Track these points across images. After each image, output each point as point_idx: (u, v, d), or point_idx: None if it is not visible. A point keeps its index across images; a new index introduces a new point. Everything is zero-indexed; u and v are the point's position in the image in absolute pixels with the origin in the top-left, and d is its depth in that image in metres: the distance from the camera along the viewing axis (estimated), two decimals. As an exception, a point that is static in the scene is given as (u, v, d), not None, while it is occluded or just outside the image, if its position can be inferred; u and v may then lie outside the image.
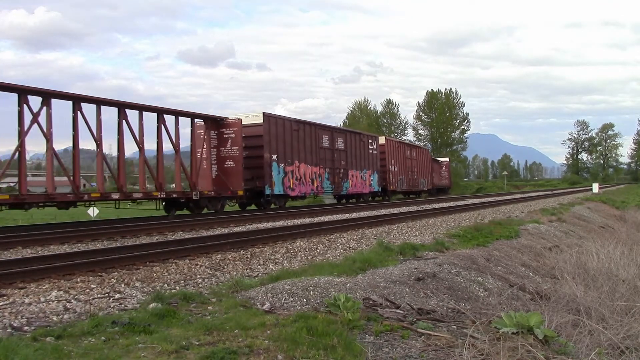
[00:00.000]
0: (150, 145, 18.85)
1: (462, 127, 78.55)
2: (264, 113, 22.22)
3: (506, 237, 14.98)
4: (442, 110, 77.23)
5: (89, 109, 16.18)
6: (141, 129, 17.73)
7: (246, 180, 21.30)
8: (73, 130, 15.79)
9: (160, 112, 18.74)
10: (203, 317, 5.43)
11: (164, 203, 19.01)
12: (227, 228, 14.88)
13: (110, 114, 17.49)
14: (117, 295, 6.56)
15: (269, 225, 15.36)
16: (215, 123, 21.04)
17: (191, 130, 20.26)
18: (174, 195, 18.69)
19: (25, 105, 14.43)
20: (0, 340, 4.24)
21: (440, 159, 53.11)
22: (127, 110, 17.42)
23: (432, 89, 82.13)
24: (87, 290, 6.77)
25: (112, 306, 6.05)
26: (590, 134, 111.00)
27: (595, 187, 49.08)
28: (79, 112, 15.81)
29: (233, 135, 20.85)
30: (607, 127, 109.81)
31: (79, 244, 11.26)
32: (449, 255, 10.82)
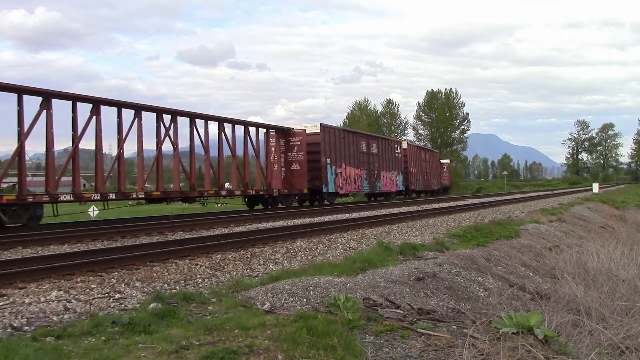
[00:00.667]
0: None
1: (462, 127, 78.58)
2: (321, 124, 26.05)
3: (506, 237, 14.99)
4: (442, 110, 77.21)
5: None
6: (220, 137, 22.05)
7: (308, 180, 25.36)
8: (156, 137, 18.88)
9: (235, 122, 22.76)
10: (203, 317, 5.43)
11: (246, 199, 24.10)
12: (227, 228, 14.88)
13: (184, 123, 20.52)
14: (117, 295, 6.56)
15: (269, 225, 15.36)
16: (283, 133, 25.52)
17: (265, 139, 24.66)
18: (261, 193, 23.18)
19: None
20: (0, 340, 4.24)
21: (442, 161, 54.08)
22: (197, 120, 20.70)
23: (432, 89, 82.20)
24: (87, 290, 6.77)
25: (112, 306, 6.05)
26: (590, 134, 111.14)
27: (595, 187, 49.09)
28: (161, 122, 18.98)
29: (298, 143, 25.22)
30: (607, 127, 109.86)
31: (79, 244, 11.26)
32: (449, 255, 10.82)
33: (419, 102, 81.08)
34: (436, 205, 25.93)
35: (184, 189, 21.04)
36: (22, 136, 14.25)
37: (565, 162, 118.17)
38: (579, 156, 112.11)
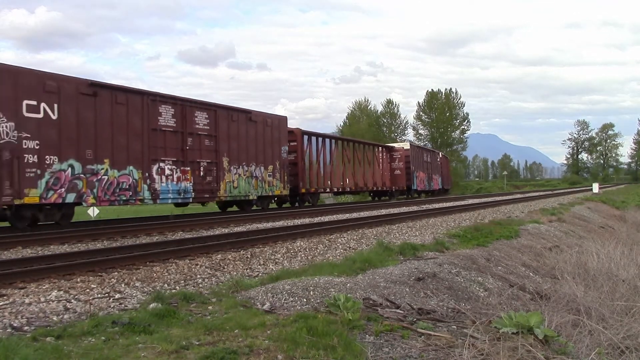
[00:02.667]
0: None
1: (462, 127, 78.55)
2: (410, 143, 41.12)
3: (506, 237, 14.98)
4: (442, 110, 77.19)
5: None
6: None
7: (405, 181, 37.16)
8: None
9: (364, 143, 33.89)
10: (203, 317, 5.43)
11: (371, 194, 36.52)
12: (227, 228, 14.88)
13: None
14: (117, 295, 6.56)
15: (269, 225, 15.36)
16: (389, 149, 37.06)
17: (380, 154, 35.19)
18: (385, 188, 34.78)
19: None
20: (0, 340, 4.24)
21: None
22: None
23: (432, 89, 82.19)
24: (87, 290, 6.77)
25: (112, 306, 6.05)
26: (590, 134, 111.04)
27: (596, 187, 49.03)
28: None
29: (399, 156, 36.93)
30: (607, 127, 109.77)
31: (79, 244, 11.26)
32: (449, 255, 10.82)
33: (419, 102, 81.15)
34: (436, 205, 25.93)
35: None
36: None
37: (565, 162, 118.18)
38: (579, 156, 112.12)
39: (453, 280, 8.83)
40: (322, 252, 10.68)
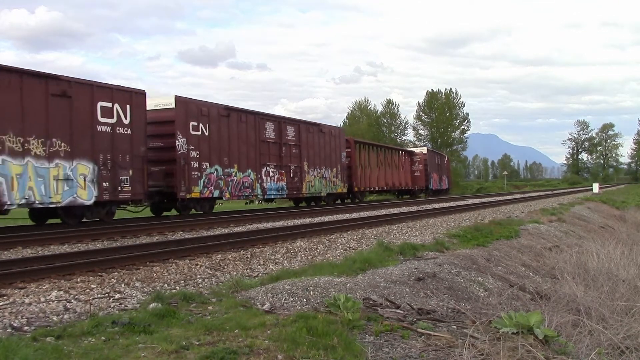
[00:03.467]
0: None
1: (462, 127, 78.43)
2: (427, 148, 47.76)
3: (506, 237, 14.98)
4: (442, 110, 77.12)
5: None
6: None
7: (425, 181, 41.83)
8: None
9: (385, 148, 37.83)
10: (203, 317, 5.43)
11: (397, 192, 39.78)
12: (227, 228, 14.88)
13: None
14: (117, 295, 6.56)
15: (269, 225, 15.36)
16: (410, 153, 41.79)
17: (404, 158, 39.26)
18: (408, 187, 39.20)
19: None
20: (0, 340, 4.24)
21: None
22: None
23: (432, 89, 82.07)
24: (87, 290, 6.77)
25: (112, 306, 6.05)
26: (590, 134, 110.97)
27: (596, 187, 49.02)
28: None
29: (418, 159, 41.36)
30: (607, 127, 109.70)
31: (79, 244, 11.25)
32: (449, 255, 10.82)
33: (419, 102, 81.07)
34: (436, 205, 25.93)
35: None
36: None
37: (565, 162, 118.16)
38: (579, 156, 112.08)
39: (453, 280, 8.83)
40: (322, 252, 10.68)
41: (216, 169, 18.89)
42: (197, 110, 18.29)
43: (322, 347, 4.49)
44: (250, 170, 20.64)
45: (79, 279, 7.37)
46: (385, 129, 75.75)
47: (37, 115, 13.19)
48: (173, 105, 17.51)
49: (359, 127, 69.23)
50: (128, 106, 15.55)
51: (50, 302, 6.08)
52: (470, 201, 32.08)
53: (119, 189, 15.25)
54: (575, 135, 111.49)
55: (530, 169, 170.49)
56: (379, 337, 5.01)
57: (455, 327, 5.59)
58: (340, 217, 18.60)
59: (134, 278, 7.53)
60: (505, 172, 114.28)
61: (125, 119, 15.44)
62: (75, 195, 13.99)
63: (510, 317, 4.97)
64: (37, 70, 13.73)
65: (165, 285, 7.32)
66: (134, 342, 4.49)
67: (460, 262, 10.19)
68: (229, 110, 19.90)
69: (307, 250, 10.72)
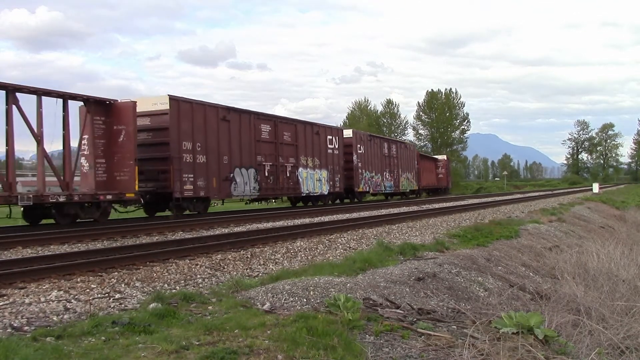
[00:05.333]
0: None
1: (462, 127, 78.47)
2: (446, 155, 55.19)
3: (506, 237, 14.98)
4: (442, 110, 77.13)
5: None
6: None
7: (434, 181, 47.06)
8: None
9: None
10: (203, 317, 5.43)
11: (429, 192, 45.20)
12: (227, 228, 14.88)
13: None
14: (117, 295, 6.56)
15: (269, 225, 15.36)
16: (435, 159, 48.55)
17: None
18: (436, 187, 46.14)
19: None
20: (0, 340, 4.24)
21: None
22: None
23: (432, 89, 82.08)
24: (87, 290, 6.77)
25: (112, 306, 6.05)
26: (590, 134, 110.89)
27: (596, 187, 49.03)
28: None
29: (441, 164, 48.56)
30: (607, 127, 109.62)
31: (79, 244, 11.25)
32: (449, 255, 10.82)
33: (419, 102, 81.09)
34: (436, 205, 25.93)
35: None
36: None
37: (565, 162, 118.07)
38: (579, 156, 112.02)
39: (453, 280, 8.83)
40: (322, 252, 10.68)
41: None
42: (362, 137, 24.26)
43: (322, 347, 4.49)
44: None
45: (79, 279, 7.37)
46: (385, 129, 75.73)
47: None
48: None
49: (359, 127, 69.17)
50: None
51: (50, 302, 6.08)
52: (470, 201, 32.08)
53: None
54: (575, 135, 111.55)
55: (530, 169, 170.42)
56: (379, 337, 5.01)
57: (455, 327, 5.59)
58: (340, 217, 18.60)
59: (134, 278, 7.53)
60: (505, 172, 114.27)
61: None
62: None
63: (510, 317, 4.97)
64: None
65: (165, 285, 7.32)
66: (134, 342, 4.49)
67: (461, 262, 10.19)
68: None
69: (307, 250, 10.72)
